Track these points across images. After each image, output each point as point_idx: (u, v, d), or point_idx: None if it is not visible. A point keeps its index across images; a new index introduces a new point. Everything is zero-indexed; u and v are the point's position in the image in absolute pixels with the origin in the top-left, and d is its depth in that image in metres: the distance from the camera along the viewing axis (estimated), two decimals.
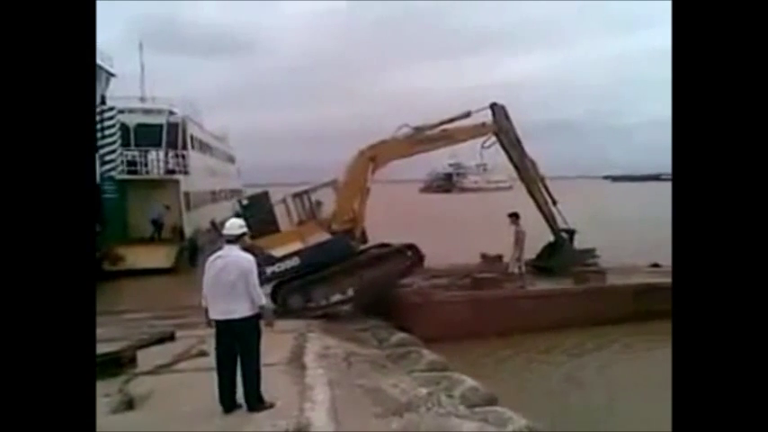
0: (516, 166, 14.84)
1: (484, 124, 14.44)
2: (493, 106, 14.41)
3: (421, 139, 13.93)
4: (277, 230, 13.02)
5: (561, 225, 15.07)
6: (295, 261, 12.63)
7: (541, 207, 14.95)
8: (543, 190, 15.05)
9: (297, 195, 13.68)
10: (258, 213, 12.94)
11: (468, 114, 14.15)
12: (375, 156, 13.52)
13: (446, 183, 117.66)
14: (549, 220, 14.97)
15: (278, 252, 12.53)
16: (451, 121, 14.06)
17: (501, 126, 14.45)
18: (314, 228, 13.06)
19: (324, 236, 12.93)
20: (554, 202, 15.08)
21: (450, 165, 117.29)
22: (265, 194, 13.52)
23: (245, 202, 13.39)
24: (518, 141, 14.66)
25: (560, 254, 15.00)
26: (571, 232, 15.36)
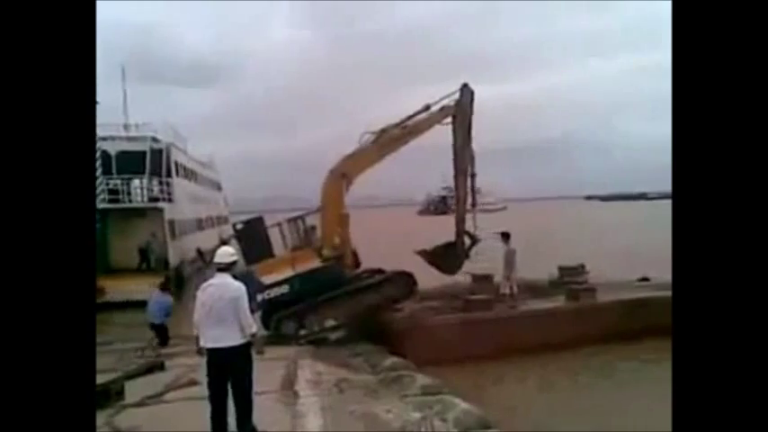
0: (455, 151, 14.04)
1: (443, 108, 14.02)
2: (463, 87, 14.04)
3: (385, 140, 13.76)
4: (272, 255, 13.00)
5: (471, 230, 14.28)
6: (285, 288, 12.57)
7: (458, 202, 14.38)
8: (469, 187, 14.31)
9: (291, 220, 13.72)
10: (253, 238, 12.93)
11: (427, 108, 13.90)
12: (345, 172, 13.46)
13: (441, 205, 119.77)
14: (459, 220, 14.25)
15: (268, 279, 12.46)
16: (412, 117, 13.89)
17: (461, 106, 13.96)
18: (306, 255, 13.03)
19: (315, 263, 12.90)
20: (473, 204, 14.55)
21: (444, 188, 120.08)
22: (260, 219, 13.52)
23: (239, 226, 13.38)
24: (469, 128, 14.09)
25: (454, 255, 14.12)
26: (473, 239, 14.28)
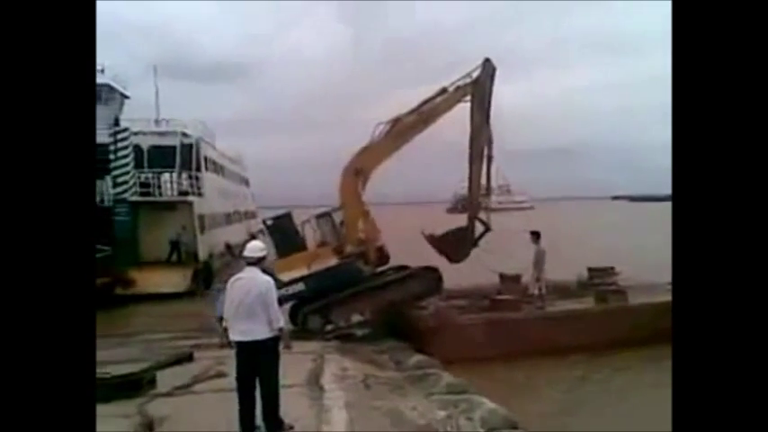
0: (471, 132, 13.34)
1: (458, 88, 13.38)
2: (485, 62, 13.33)
3: (400, 130, 13.22)
4: (304, 249, 13.14)
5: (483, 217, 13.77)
6: (300, 286, 12.62)
7: (472, 184, 13.58)
8: (485, 170, 13.61)
9: (320, 216, 13.71)
10: (284, 233, 13.09)
11: (444, 91, 13.34)
12: (359, 168, 13.18)
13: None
14: (473, 202, 13.69)
15: (285, 277, 12.49)
16: (427, 102, 13.31)
17: (479, 83, 13.20)
18: (322, 253, 13.06)
19: (332, 261, 12.89)
20: (487, 192, 13.98)
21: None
22: (288, 215, 13.66)
23: (269, 222, 13.54)
24: (488, 108, 13.35)
25: (463, 242, 13.51)
26: (486, 227, 13.73)
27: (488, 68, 13.34)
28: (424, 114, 13.36)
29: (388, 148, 13.37)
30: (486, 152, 13.45)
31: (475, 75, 13.31)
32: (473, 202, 13.70)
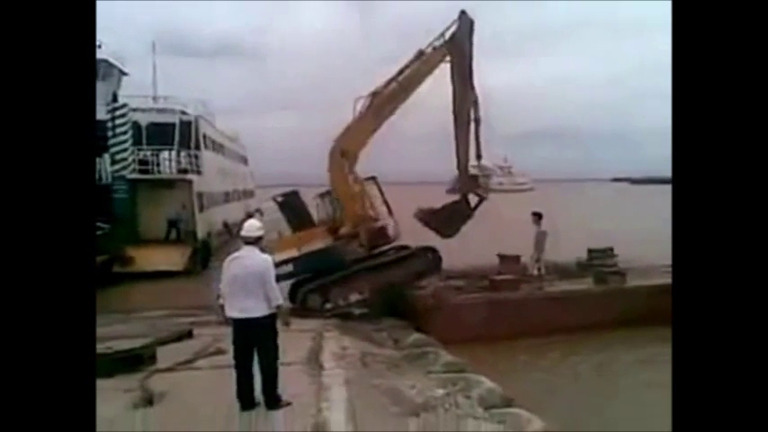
0: (454, 92, 12.73)
1: (434, 48, 12.76)
2: (461, 15, 12.65)
3: (380, 103, 12.66)
4: (313, 225, 13.24)
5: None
6: (289, 267, 12.62)
7: (459, 154, 13.02)
8: (473, 137, 12.95)
9: (322, 195, 13.69)
10: (294, 210, 13.19)
11: (421, 53, 12.74)
12: (344, 149, 12.78)
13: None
14: (463, 173, 13.20)
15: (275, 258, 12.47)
16: (405, 69, 12.75)
17: (456, 41, 12.55)
18: (312, 235, 13.04)
19: (321, 243, 12.85)
20: (478, 157, 13.25)
21: (474, 167, 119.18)
22: (296, 193, 13.67)
23: (280, 199, 13.59)
24: (470, 68, 12.72)
25: (456, 215, 13.34)
26: (481, 198, 13.42)
27: (465, 23, 12.66)
28: (404, 83, 12.80)
29: (370, 124, 12.88)
30: (472, 115, 12.87)
31: (451, 32, 12.70)
32: (463, 169, 13.22)
